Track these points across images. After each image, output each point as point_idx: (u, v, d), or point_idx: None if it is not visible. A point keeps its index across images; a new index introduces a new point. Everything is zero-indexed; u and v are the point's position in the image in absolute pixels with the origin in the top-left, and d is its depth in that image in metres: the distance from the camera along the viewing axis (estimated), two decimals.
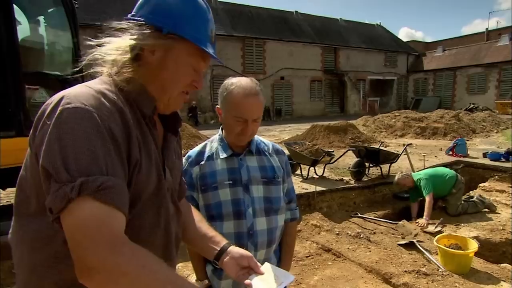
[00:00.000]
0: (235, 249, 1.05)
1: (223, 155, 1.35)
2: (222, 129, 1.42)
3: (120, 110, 0.76)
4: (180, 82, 0.88)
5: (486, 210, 4.87)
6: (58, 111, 0.69)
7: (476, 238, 3.84)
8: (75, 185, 0.65)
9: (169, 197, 0.93)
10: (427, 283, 2.72)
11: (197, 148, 1.42)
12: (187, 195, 1.35)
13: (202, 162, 1.35)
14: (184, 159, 1.39)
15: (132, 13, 0.85)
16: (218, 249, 1.04)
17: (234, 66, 21.07)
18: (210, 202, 1.32)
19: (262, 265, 1.06)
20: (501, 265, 3.49)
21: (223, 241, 1.07)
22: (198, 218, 1.12)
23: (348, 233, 3.94)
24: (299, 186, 5.18)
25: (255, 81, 1.30)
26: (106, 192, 0.67)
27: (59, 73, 3.33)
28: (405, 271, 2.92)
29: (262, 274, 1.01)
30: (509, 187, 5.99)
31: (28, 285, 0.81)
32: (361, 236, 3.91)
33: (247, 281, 0.97)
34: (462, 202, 4.78)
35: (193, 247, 1.09)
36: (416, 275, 2.85)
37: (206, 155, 1.37)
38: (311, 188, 5.04)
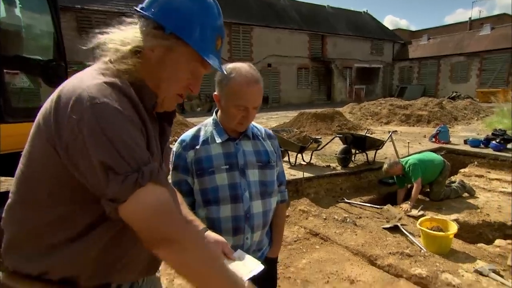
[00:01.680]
0: (211, 234, 1.11)
1: (218, 139, 1.35)
2: (216, 113, 1.41)
3: (135, 103, 0.79)
4: (177, 84, 0.88)
5: (466, 194, 5.07)
6: (87, 106, 0.70)
7: (455, 220, 4.00)
8: (144, 173, 0.72)
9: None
10: (410, 263, 2.84)
11: (191, 132, 1.41)
12: (181, 179, 1.36)
13: (197, 147, 1.35)
14: (177, 143, 1.39)
15: (142, 5, 0.84)
16: None
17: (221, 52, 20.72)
18: (206, 186, 1.33)
19: (235, 252, 1.10)
20: (478, 245, 3.67)
21: (201, 226, 1.13)
22: (180, 201, 1.15)
23: (335, 218, 4.03)
24: (287, 173, 5.22)
25: (253, 67, 1.30)
26: (160, 176, 0.77)
27: (40, 58, 3.21)
28: (390, 253, 3.03)
29: (234, 260, 1.07)
30: (487, 172, 6.23)
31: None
32: (348, 220, 4.01)
33: None
34: (445, 188, 4.94)
35: None
36: (400, 257, 2.96)
37: (201, 139, 1.37)
38: (299, 174, 5.10)
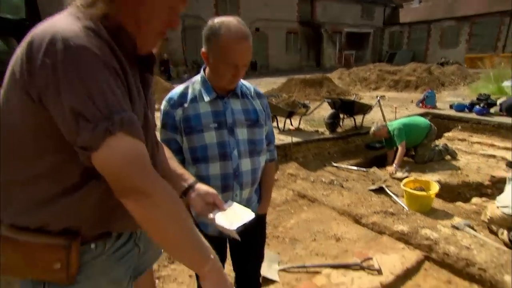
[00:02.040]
0: (202, 186, 1.11)
1: (207, 98, 1.33)
2: (204, 70, 1.38)
3: (113, 48, 0.75)
4: (156, 20, 0.83)
5: (449, 157, 5.24)
6: (61, 49, 0.66)
7: (437, 181, 4.16)
8: (115, 122, 0.69)
9: (153, 131, 0.95)
10: (393, 221, 2.97)
11: (179, 90, 1.38)
12: (170, 138, 1.35)
13: (185, 105, 1.33)
14: (164, 101, 1.36)
15: None
16: (187, 185, 1.11)
17: (207, 15, 19.82)
18: (195, 144, 1.33)
19: (226, 203, 1.13)
20: (456, 203, 3.86)
21: (191, 179, 1.13)
22: (169, 155, 1.15)
23: (322, 180, 4.13)
24: (276, 138, 5.26)
25: (241, 21, 1.25)
26: (135, 127, 0.74)
27: (10, 17, 3.02)
28: (374, 212, 3.16)
29: (225, 210, 1.09)
30: (469, 136, 6.41)
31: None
32: (335, 183, 4.13)
33: (210, 215, 1.04)
34: (430, 151, 5.09)
35: None
36: (384, 215, 3.10)
37: (189, 97, 1.34)
38: (288, 139, 5.14)
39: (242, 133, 1.37)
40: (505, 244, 2.98)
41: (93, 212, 0.83)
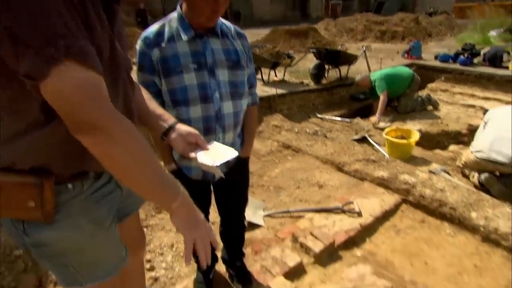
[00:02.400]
0: (183, 127, 1.08)
1: (185, 37, 1.24)
2: (181, 6, 1.27)
3: None
4: None
5: (431, 107, 5.32)
6: None
7: (418, 131, 4.26)
8: (59, 47, 0.61)
9: (124, 68, 0.88)
10: (374, 168, 3.07)
11: (154, 28, 1.28)
12: (148, 80, 1.28)
13: (163, 44, 1.24)
14: (140, 41, 1.27)
15: None
16: (167, 126, 1.07)
17: None
18: (174, 86, 1.27)
19: (209, 143, 1.10)
20: (435, 151, 4.00)
21: (171, 119, 1.09)
22: (147, 97, 1.10)
23: (306, 131, 4.16)
24: (260, 90, 5.17)
25: None
26: (89, 57, 0.67)
27: None
28: (356, 160, 3.24)
29: (207, 150, 1.06)
30: (452, 86, 6.48)
31: None
32: (319, 133, 4.17)
33: (192, 154, 1.01)
34: (412, 101, 5.14)
35: (142, 124, 1.10)
36: (366, 163, 3.19)
37: (166, 36, 1.25)
38: (272, 91, 5.06)
39: (223, 75, 1.31)
40: (475, 186, 3.16)
41: (63, 150, 0.79)
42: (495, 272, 2.11)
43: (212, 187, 1.59)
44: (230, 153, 1.07)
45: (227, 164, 1.45)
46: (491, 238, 2.30)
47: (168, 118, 1.09)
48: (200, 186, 1.49)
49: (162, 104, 1.31)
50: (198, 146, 1.08)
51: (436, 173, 3.19)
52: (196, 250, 0.86)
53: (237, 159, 1.48)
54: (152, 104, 1.10)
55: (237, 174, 1.51)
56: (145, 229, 2.53)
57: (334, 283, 1.93)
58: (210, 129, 1.31)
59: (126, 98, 0.93)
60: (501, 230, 2.28)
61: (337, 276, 2.00)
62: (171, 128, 1.07)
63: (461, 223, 2.45)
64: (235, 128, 1.38)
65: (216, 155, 1.05)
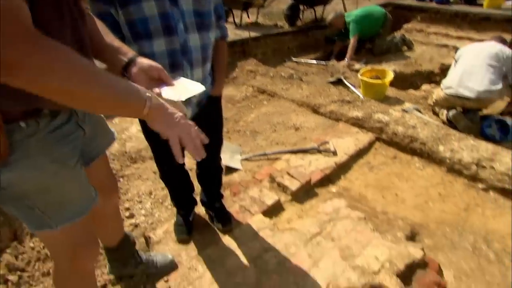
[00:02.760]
0: (144, 60, 0.98)
1: None
2: None
3: None
4: None
5: (405, 48, 5.29)
6: None
7: (393, 71, 4.27)
8: None
9: None
10: (349, 108, 3.09)
11: None
12: (103, 11, 1.13)
13: None
14: None
15: None
16: (126, 59, 0.97)
17: None
18: (133, 17, 1.13)
19: (174, 79, 1.03)
20: (408, 91, 4.06)
21: (131, 52, 0.99)
22: (103, 29, 0.99)
23: (282, 75, 4.07)
24: (232, 33, 4.90)
25: None
26: None
27: None
28: (332, 101, 3.24)
29: (173, 85, 0.99)
30: (427, 26, 6.42)
31: None
32: (294, 77, 4.09)
33: (155, 90, 0.94)
34: (387, 42, 5.07)
35: (99, 59, 1.00)
36: (341, 104, 3.19)
37: None
38: (245, 34, 4.81)
39: (186, 3, 1.18)
40: (443, 123, 3.29)
41: (5, 86, 0.70)
42: (456, 198, 2.28)
43: None
44: (197, 88, 0.99)
45: (198, 103, 1.38)
46: (455, 169, 2.45)
47: (127, 51, 0.99)
48: None
49: (122, 39, 1.18)
50: (162, 82, 1.00)
51: (408, 111, 3.26)
52: (184, 146, 0.84)
53: (209, 98, 1.42)
54: (109, 37, 0.99)
55: (209, 114, 1.45)
56: (121, 179, 2.49)
57: (310, 217, 2.01)
58: (176, 65, 1.21)
59: (75, 29, 0.83)
60: (464, 160, 2.41)
61: (313, 211, 2.08)
62: (131, 61, 0.98)
63: (429, 156, 2.58)
64: (204, 63, 1.28)
65: (182, 90, 0.98)
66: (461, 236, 1.99)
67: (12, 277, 1.56)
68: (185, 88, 0.97)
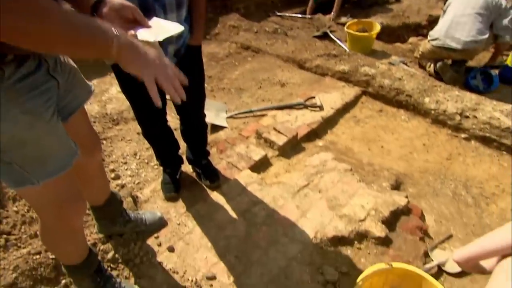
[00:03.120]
0: (114, 0, 0.89)
1: None
2: None
3: None
4: None
5: (393, 0, 5.12)
6: None
7: (380, 24, 4.15)
8: None
9: None
10: (335, 62, 3.01)
11: None
12: None
13: None
14: None
15: None
16: None
17: None
18: None
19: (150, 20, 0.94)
20: (395, 44, 3.99)
21: None
22: None
23: (266, 30, 3.90)
24: None
25: None
26: None
27: None
28: (318, 56, 3.15)
29: (149, 27, 0.91)
30: None
31: None
32: (279, 31, 3.93)
33: (130, 32, 0.86)
34: None
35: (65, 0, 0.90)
36: (327, 58, 3.11)
37: None
38: None
39: None
40: (430, 75, 3.27)
41: None
42: (440, 148, 2.33)
43: None
44: (175, 27, 0.91)
45: (176, 54, 1.30)
46: (439, 120, 2.48)
47: None
48: None
49: None
50: (137, 23, 0.92)
51: (395, 64, 3.22)
52: (161, 87, 0.78)
53: (187, 48, 1.33)
54: None
55: (188, 66, 1.37)
56: (104, 142, 2.42)
57: (298, 170, 2.03)
58: (147, 9, 1.10)
59: None
60: (448, 111, 2.44)
61: (300, 165, 2.10)
62: (101, 0, 0.88)
63: (415, 108, 2.58)
64: (178, 9, 1.18)
65: (159, 30, 0.90)
66: (443, 184, 2.06)
67: None
68: (162, 28, 0.90)
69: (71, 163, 0.96)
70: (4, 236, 1.56)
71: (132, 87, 1.38)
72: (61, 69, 0.96)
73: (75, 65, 1.08)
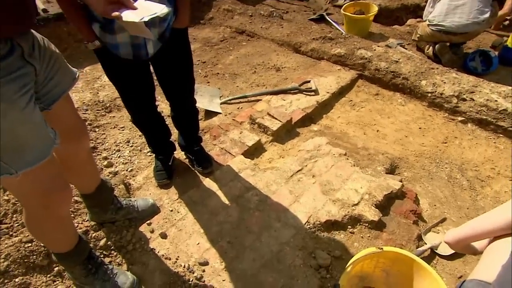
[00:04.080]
0: None
1: None
2: None
3: None
4: None
5: None
6: None
7: (378, 6, 4.06)
8: None
9: None
10: (331, 45, 2.95)
11: None
12: None
13: None
14: None
15: None
16: None
17: None
18: None
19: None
20: (393, 27, 3.90)
21: None
22: None
23: (261, 14, 3.81)
24: None
25: None
26: None
27: None
28: (313, 39, 3.09)
29: (134, 8, 0.87)
30: None
31: None
32: (274, 15, 3.84)
33: (115, 13, 0.82)
34: None
35: None
36: (323, 41, 3.05)
37: None
38: None
39: None
40: (429, 58, 3.21)
41: None
42: (436, 131, 2.31)
43: (151, 68, 1.41)
44: (160, 8, 0.88)
45: (161, 37, 1.26)
46: (436, 103, 2.44)
47: None
48: (135, 67, 1.31)
49: None
50: (121, 5, 0.88)
51: (392, 46, 3.16)
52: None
53: (172, 31, 1.28)
54: None
55: (175, 50, 1.33)
56: (96, 129, 2.39)
57: (292, 156, 2.01)
58: None
59: None
60: (445, 94, 2.40)
61: (294, 150, 2.08)
62: None
63: (411, 92, 2.55)
64: None
65: (144, 11, 0.86)
66: (438, 167, 2.05)
67: None
68: (147, 9, 0.86)
69: (49, 152, 0.93)
70: None
71: (118, 73, 1.34)
72: (39, 54, 0.93)
73: (57, 51, 1.05)
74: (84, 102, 2.59)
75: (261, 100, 2.47)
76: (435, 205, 1.83)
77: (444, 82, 2.46)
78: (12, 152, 0.86)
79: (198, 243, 1.51)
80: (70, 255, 1.21)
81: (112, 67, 1.32)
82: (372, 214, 1.61)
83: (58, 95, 1.05)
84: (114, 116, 2.52)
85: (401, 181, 1.83)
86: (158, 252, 1.49)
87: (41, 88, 0.97)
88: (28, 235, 1.52)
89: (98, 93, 2.77)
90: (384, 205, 1.70)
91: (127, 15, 0.86)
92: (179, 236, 1.54)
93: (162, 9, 0.88)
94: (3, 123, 0.81)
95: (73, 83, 1.11)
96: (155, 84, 1.51)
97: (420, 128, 2.33)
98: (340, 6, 4.19)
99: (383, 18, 4.15)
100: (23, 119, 0.86)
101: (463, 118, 2.34)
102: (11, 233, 1.55)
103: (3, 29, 0.78)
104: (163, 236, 1.54)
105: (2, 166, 0.86)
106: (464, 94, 2.36)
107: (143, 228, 1.59)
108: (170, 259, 1.47)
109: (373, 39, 3.38)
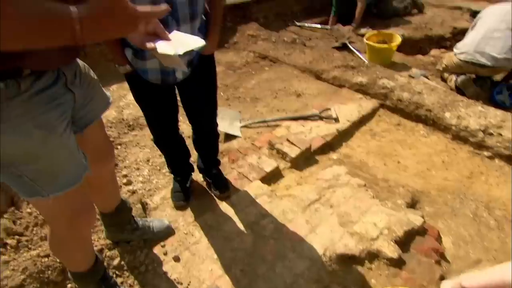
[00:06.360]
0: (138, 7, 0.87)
1: None
2: None
3: None
4: None
5: (416, 11, 5.02)
6: None
7: (401, 36, 4.07)
8: None
9: None
10: (353, 74, 2.96)
11: None
12: None
13: None
14: None
15: None
16: None
17: None
18: None
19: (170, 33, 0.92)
20: (416, 56, 3.89)
21: None
22: None
23: (284, 40, 3.90)
24: None
25: None
26: None
27: None
28: (335, 67, 3.11)
29: (169, 40, 0.89)
30: None
31: None
32: (297, 42, 3.92)
33: (150, 44, 0.84)
34: (394, 5, 4.79)
35: None
36: (344, 69, 3.06)
37: None
38: None
39: None
40: (451, 89, 3.16)
41: None
42: (460, 166, 2.23)
43: (177, 92, 1.46)
44: (196, 42, 0.89)
45: (189, 63, 1.30)
46: (460, 136, 2.38)
47: None
48: (162, 91, 1.35)
49: None
50: (157, 37, 0.90)
51: (415, 77, 3.13)
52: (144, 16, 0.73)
53: (200, 57, 1.33)
54: None
55: (201, 75, 1.37)
56: (118, 147, 2.46)
57: (309, 184, 1.98)
58: (161, 21, 1.11)
59: None
60: (470, 127, 2.33)
61: (312, 178, 2.05)
62: None
63: (435, 123, 2.49)
64: (192, 20, 1.18)
65: (179, 44, 0.88)
66: (462, 203, 1.96)
67: (11, 241, 1.57)
68: (182, 42, 0.88)
69: (81, 178, 0.95)
70: (17, 237, 1.60)
71: (145, 96, 1.39)
72: (79, 81, 0.96)
73: (95, 77, 1.08)
74: (109, 120, 2.68)
75: (281, 125, 2.48)
76: (459, 244, 1.74)
77: (470, 115, 2.40)
78: (46, 176, 0.88)
79: (211, 269, 1.49)
80: (86, 275, 1.22)
81: (139, 90, 1.37)
82: (391, 250, 1.55)
83: (92, 119, 1.08)
84: (136, 135, 2.59)
85: (422, 216, 1.76)
86: (171, 275, 1.48)
87: (76, 113, 0.99)
88: (45, 250, 1.54)
89: (122, 111, 2.87)
90: (404, 242, 1.63)
91: (162, 47, 0.87)
92: (192, 260, 1.53)
93: (197, 43, 0.89)
94: (42, 150, 0.84)
95: (106, 108, 1.14)
96: (179, 105, 1.55)
97: (443, 161, 2.26)
98: (363, 35, 4.23)
99: (406, 47, 4.14)
100: (61, 145, 0.88)
101: (490, 154, 2.26)
102: (30, 246, 1.59)
103: (52, 62, 0.82)
104: (176, 259, 1.53)
105: (36, 189, 0.88)
106: (491, 129, 2.28)
107: (157, 249, 1.59)
108: (181, 283, 1.45)
109: (396, 68, 3.37)
